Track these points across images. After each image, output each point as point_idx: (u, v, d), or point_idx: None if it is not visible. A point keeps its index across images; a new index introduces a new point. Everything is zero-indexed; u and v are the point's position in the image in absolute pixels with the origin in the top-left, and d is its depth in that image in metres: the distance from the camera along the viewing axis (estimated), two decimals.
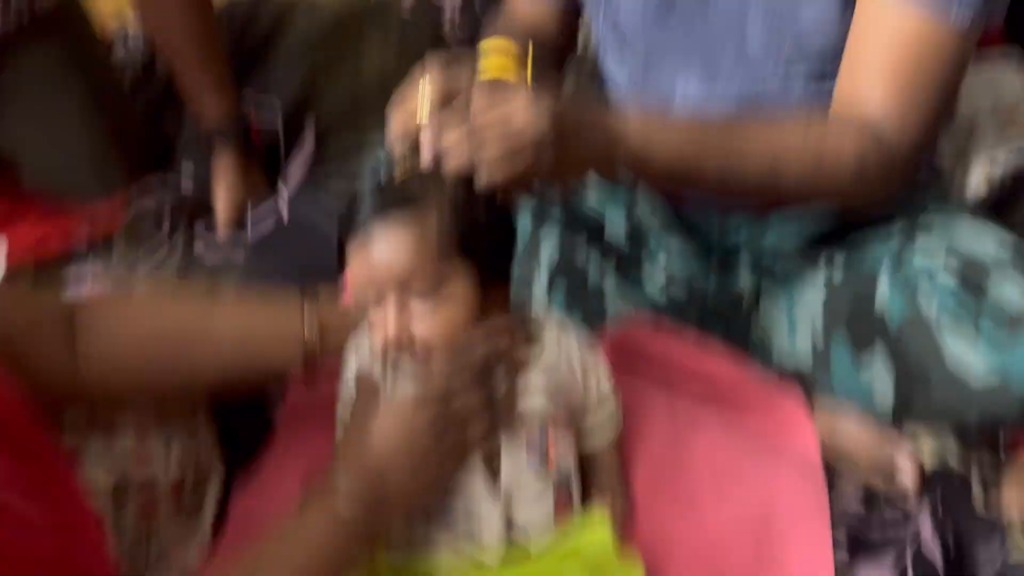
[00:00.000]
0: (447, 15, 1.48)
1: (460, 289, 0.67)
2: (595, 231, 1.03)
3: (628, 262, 1.02)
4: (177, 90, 1.25)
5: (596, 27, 0.98)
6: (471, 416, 0.66)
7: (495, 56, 0.79)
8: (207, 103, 1.20)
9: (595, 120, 0.69)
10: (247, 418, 0.89)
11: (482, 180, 0.65)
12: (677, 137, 0.72)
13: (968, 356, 0.75)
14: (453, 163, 0.65)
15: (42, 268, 1.13)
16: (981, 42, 1.13)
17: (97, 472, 0.70)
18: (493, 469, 0.69)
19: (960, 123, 1.12)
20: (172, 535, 0.77)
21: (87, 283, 1.09)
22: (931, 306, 0.78)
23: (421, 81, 0.67)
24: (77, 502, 0.61)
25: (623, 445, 0.82)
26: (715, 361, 0.91)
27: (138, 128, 1.32)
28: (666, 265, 1.01)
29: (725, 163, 0.74)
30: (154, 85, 1.38)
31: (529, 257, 0.96)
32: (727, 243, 1.00)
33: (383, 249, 0.65)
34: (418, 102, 0.66)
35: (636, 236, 1.03)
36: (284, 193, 1.24)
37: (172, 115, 1.34)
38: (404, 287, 0.66)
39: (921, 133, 0.76)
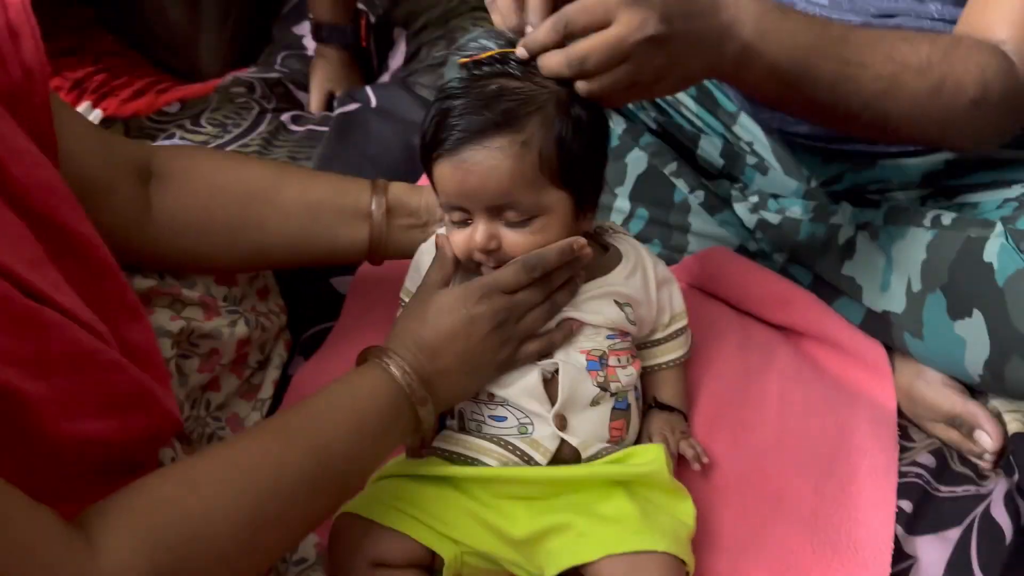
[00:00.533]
0: None
1: (554, 218, 0.64)
2: (689, 145, 0.99)
3: (720, 179, 0.98)
4: None
5: None
6: (532, 311, 0.65)
7: None
8: None
9: (707, 5, 0.63)
10: (315, 291, 0.89)
11: (583, 86, 0.60)
12: (795, 29, 0.66)
13: None
14: (550, 63, 0.60)
15: (133, 125, 1.15)
16: None
17: (163, 317, 0.71)
18: (552, 370, 0.67)
19: None
20: (234, 389, 0.79)
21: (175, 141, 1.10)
22: None
23: None
24: (145, 333, 0.62)
25: (691, 369, 0.80)
26: (798, 295, 0.87)
27: (242, 19, 1.31)
28: (761, 185, 0.96)
29: (842, 70, 0.67)
30: None
31: (615, 161, 0.92)
32: (831, 170, 0.94)
33: (479, 168, 0.61)
34: None
35: (731, 154, 0.98)
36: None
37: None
38: (495, 211, 0.63)
39: None
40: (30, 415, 0.49)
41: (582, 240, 0.65)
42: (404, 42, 1.27)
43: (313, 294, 0.88)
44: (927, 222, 0.79)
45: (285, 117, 1.10)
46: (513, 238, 0.64)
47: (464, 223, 0.65)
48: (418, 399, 0.62)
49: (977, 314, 0.73)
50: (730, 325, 0.87)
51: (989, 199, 0.82)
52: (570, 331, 0.67)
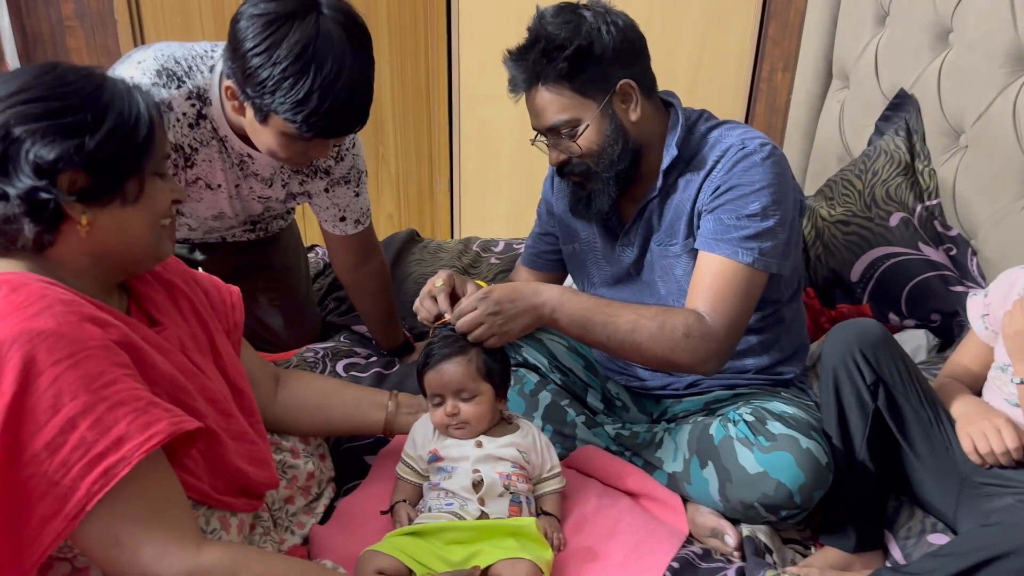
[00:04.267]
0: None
1: (485, 397, 1.31)
2: (581, 395, 1.66)
3: (599, 415, 1.63)
4: (336, 284, 2.07)
5: (581, 288, 1.68)
6: None
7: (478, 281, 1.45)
8: (383, 337, 1.93)
9: (527, 287, 1.33)
10: (353, 462, 1.52)
11: (470, 337, 1.29)
12: (580, 300, 1.33)
13: (748, 456, 1.31)
14: (474, 339, 1.30)
15: None
16: (858, 312, 1.78)
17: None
18: (479, 479, 1.28)
19: None
20: (302, 506, 1.37)
21: None
22: (733, 431, 1.35)
23: (439, 280, 1.35)
24: (267, 447, 1.23)
25: (566, 503, 1.39)
26: (633, 472, 1.48)
27: (315, 315, 2.08)
28: (624, 419, 1.62)
29: (606, 319, 1.31)
30: (324, 279, 2.19)
31: (532, 397, 1.59)
32: (658, 409, 1.60)
33: (448, 372, 1.30)
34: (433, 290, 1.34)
35: (607, 400, 1.65)
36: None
37: (333, 301, 2.13)
38: (456, 393, 1.31)
39: (727, 322, 1.33)
40: (222, 449, 1.11)
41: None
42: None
43: (354, 464, 1.51)
44: (691, 421, 1.44)
45: (339, 366, 1.80)
46: (465, 407, 1.30)
47: (439, 404, 1.31)
48: None
49: (710, 464, 1.36)
50: (594, 487, 1.46)
51: (726, 410, 1.47)
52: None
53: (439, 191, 3.16)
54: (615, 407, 1.65)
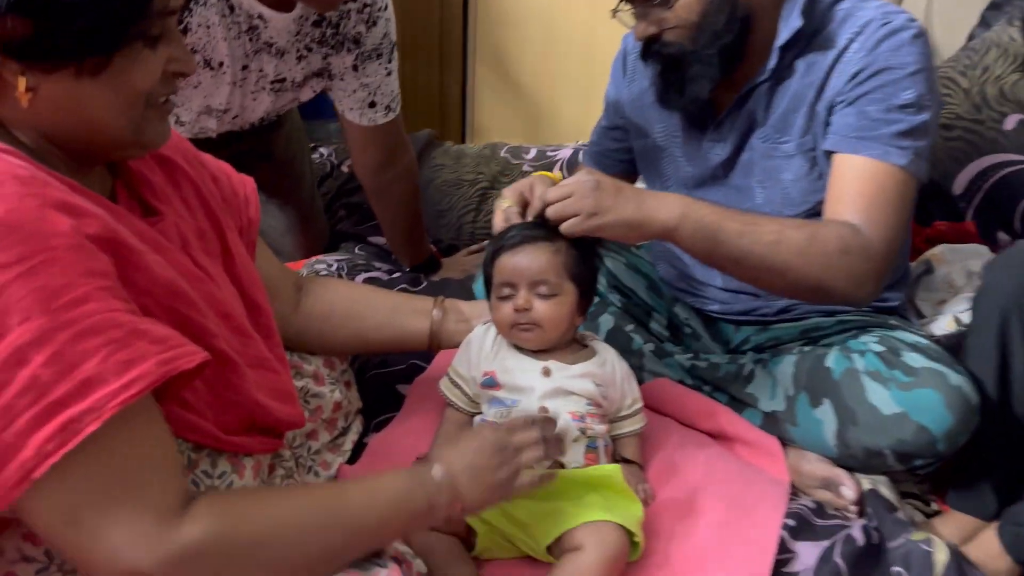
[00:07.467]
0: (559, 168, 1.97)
1: (567, 299, 1.05)
2: (643, 319, 1.41)
3: (665, 343, 1.38)
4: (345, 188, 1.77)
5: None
6: (526, 447, 0.90)
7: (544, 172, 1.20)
8: (408, 251, 1.68)
9: (635, 188, 1.05)
10: (386, 393, 1.27)
11: (550, 211, 1.01)
12: (708, 205, 1.05)
13: (882, 394, 1.08)
14: (552, 214, 1.03)
15: None
16: (965, 237, 1.54)
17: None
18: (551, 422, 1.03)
19: (941, 283, 1.47)
20: (326, 442, 1.13)
21: None
22: (860, 363, 1.12)
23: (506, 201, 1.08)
24: (287, 374, 0.97)
25: (645, 447, 1.16)
26: (719, 410, 1.24)
27: (322, 220, 1.80)
28: (694, 347, 1.37)
29: (743, 227, 1.03)
30: (333, 181, 1.90)
31: (591, 322, 1.33)
32: (737, 337, 1.36)
33: (528, 256, 1.03)
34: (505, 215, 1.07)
35: (673, 327, 1.40)
36: None
37: (343, 208, 1.84)
38: (533, 285, 1.04)
39: (887, 235, 1.06)
40: (238, 379, 0.84)
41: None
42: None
43: (385, 394, 1.26)
44: (795, 350, 1.20)
45: (357, 282, 1.54)
46: (540, 305, 1.04)
47: (508, 298, 1.05)
48: (437, 509, 0.83)
49: (826, 402, 1.12)
50: (673, 429, 1.23)
51: (834, 340, 1.22)
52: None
53: (450, 93, 2.85)
54: (683, 335, 1.40)
